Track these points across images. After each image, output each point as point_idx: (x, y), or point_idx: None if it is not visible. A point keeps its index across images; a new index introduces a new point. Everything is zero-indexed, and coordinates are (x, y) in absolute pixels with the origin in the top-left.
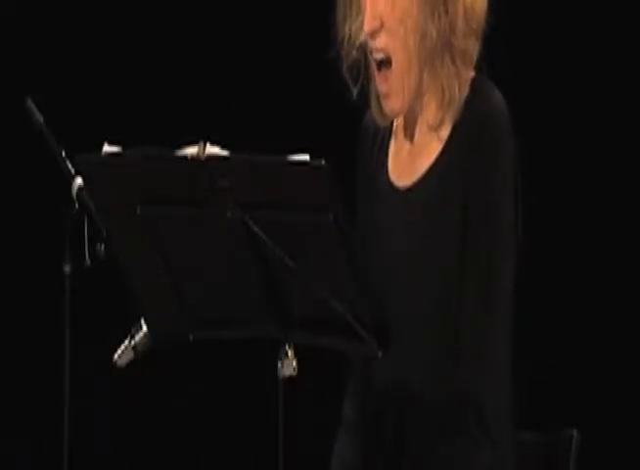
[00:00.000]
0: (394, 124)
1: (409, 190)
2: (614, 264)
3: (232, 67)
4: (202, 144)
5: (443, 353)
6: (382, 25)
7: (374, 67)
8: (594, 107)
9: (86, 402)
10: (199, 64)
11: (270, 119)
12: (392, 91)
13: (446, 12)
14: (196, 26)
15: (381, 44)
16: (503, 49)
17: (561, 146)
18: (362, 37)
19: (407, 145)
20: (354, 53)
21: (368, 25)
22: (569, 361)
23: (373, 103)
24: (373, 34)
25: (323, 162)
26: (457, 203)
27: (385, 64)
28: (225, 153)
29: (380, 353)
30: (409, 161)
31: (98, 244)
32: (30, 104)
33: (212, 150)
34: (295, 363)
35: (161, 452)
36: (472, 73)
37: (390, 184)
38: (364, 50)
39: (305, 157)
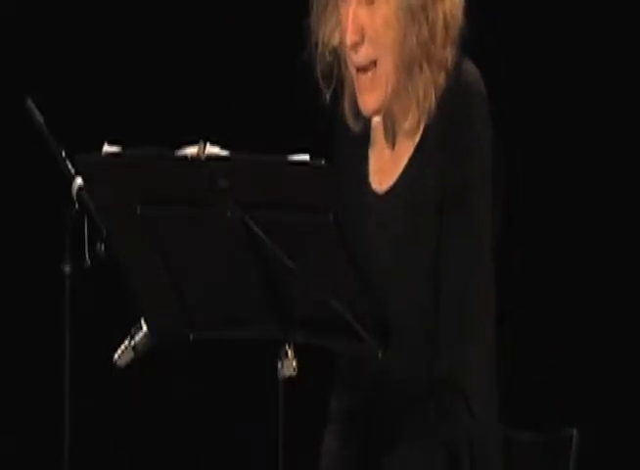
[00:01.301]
0: (372, 134)
1: (390, 190)
2: (613, 264)
3: (232, 67)
4: (202, 144)
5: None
6: (363, 38)
7: (353, 69)
8: (589, 106)
9: (86, 402)
10: (199, 64)
11: (270, 119)
12: (375, 85)
13: (427, 19)
14: (196, 26)
15: (362, 55)
16: (496, 48)
17: (554, 143)
18: (346, 49)
19: (387, 152)
20: (328, 56)
21: (350, 39)
22: (568, 361)
23: (347, 107)
24: (355, 47)
25: (323, 162)
26: (439, 194)
27: (367, 67)
28: (225, 153)
29: (380, 353)
30: (390, 165)
31: (98, 244)
32: (30, 104)
33: (212, 150)
34: (295, 363)
35: (162, 452)
36: (444, 75)
37: (372, 189)
38: (337, 54)
39: (305, 157)
